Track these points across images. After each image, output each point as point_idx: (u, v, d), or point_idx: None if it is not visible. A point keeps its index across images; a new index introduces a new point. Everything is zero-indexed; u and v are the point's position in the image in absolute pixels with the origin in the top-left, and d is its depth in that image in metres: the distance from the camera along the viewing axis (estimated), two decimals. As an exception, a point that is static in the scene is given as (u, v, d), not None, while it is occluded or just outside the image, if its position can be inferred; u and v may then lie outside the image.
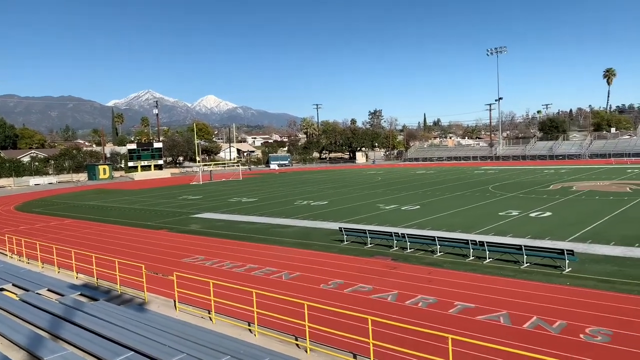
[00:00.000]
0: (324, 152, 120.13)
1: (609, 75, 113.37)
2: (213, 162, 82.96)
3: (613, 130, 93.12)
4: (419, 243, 18.84)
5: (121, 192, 53.51)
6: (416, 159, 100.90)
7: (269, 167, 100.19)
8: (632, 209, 25.85)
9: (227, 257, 19.33)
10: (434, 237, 18.25)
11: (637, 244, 17.75)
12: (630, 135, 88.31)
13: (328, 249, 19.84)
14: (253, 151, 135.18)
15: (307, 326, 9.88)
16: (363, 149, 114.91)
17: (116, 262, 15.00)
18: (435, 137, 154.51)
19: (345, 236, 20.75)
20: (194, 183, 62.23)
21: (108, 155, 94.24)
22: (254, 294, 11.16)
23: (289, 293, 13.84)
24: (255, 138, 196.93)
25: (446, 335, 8.30)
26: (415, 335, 10.22)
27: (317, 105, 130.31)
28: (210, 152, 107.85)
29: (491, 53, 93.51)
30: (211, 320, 11.82)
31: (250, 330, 11.15)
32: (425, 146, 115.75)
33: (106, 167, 78.77)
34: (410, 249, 18.51)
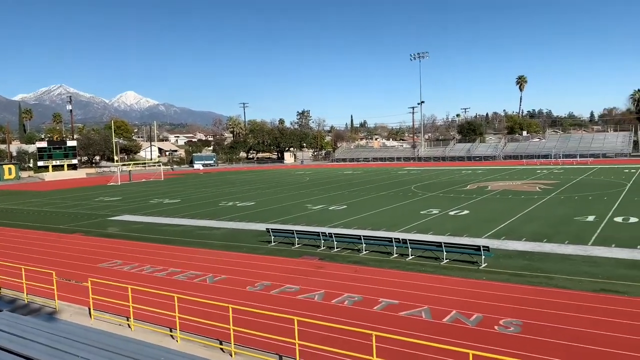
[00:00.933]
0: (251, 152, 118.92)
1: (521, 82, 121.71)
2: (132, 162, 79.18)
3: (525, 133, 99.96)
4: (345, 242, 19.07)
5: (30, 194, 49.67)
6: (343, 160, 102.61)
7: (193, 167, 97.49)
8: (541, 206, 27.85)
9: (147, 261, 18.48)
10: (359, 236, 18.56)
11: (545, 240, 19.11)
12: (539, 138, 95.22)
13: (255, 250, 19.57)
14: (176, 150, 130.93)
15: (231, 329, 9.63)
16: (291, 149, 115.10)
17: (22, 269, 13.81)
18: (361, 139, 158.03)
19: (272, 237, 20.57)
20: (111, 184, 59.10)
21: (14, 154, 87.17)
22: (175, 298, 10.72)
23: (213, 296, 13.46)
24: (178, 137, 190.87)
25: (370, 332, 8.42)
26: (341, 334, 10.29)
27: (244, 104, 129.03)
28: (130, 151, 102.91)
29: (414, 58, 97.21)
30: (130, 327, 11.20)
31: (172, 336, 10.70)
32: (352, 147, 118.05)
33: (12, 166, 72.84)
34: (337, 248, 18.69)
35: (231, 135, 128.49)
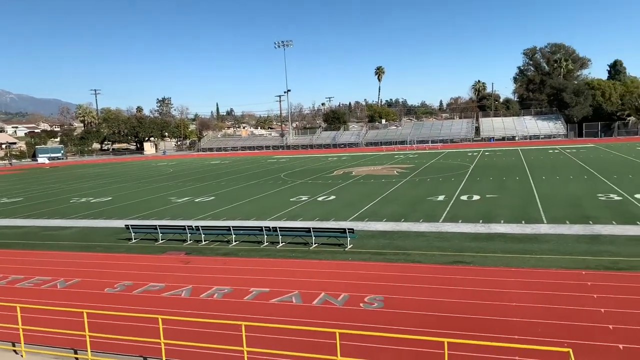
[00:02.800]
0: (105, 142, 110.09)
1: (379, 72, 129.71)
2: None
3: (384, 121, 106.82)
4: (214, 234, 18.53)
5: None
6: (210, 149, 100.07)
7: (37, 161, 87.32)
8: (399, 189, 29.98)
9: (-18, 269, 16.03)
10: (228, 226, 18.16)
11: (403, 219, 20.58)
12: (396, 126, 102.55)
13: (113, 249, 18.10)
14: (14, 143, 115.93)
15: (87, 336, 8.75)
16: (152, 139, 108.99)
17: None
18: (229, 127, 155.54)
19: (133, 234, 19.20)
20: None
21: None
22: (18, 308, 9.42)
23: (66, 303, 12.13)
24: (17, 127, 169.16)
25: (239, 323, 8.24)
26: (210, 328, 9.95)
27: (95, 90, 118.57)
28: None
29: (279, 46, 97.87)
30: (-42, 349, 9.59)
31: (15, 351, 9.42)
32: (219, 136, 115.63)
33: None
34: (205, 241, 18.08)
35: (82, 125, 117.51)
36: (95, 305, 11.84)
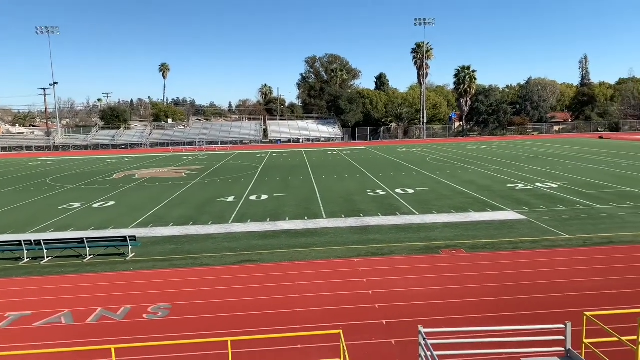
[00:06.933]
0: None
1: (164, 69, 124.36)
2: None
3: (170, 121, 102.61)
4: (-47, 253, 15.08)
5: None
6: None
7: None
8: (187, 191, 29.07)
9: None
10: (-25, 242, 15.00)
11: (191, 222, 19.97)
12: (184, 126, 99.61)
13: None
14: None
15: None
16: None
17: None
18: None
19: None
20: None
21: None
22: None
23: None
24: None
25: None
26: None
27: None
28: None
29: (41, 32, 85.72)
30: None
31: None
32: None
33: None
34: (-60, 262, 14.57)
35: None
36: None
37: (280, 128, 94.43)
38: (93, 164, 52.17)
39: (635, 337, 6.80)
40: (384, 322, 9.87)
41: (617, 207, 20.20)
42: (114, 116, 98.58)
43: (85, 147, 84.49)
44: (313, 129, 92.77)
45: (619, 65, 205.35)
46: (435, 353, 6.18)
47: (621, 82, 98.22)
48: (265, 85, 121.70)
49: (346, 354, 6.39)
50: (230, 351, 6.37)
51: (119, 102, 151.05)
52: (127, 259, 14.92)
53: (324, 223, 19.13)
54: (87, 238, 15.12)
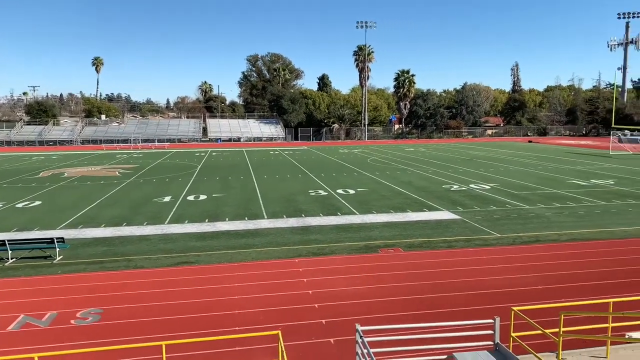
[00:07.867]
0: None
1: (97, 63, 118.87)
2: None
3: (104, 117, 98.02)
4: None
5: None
6: None
7: None
8: (121, 191, 27.87)
9: None
10: None
11: (125, 223, 19.16)
12: (119, 123, 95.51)
13: None
14: None
15: None
16: None
17: None
18: None
19: None
20: None
21: None
22: None
23: None
24: None
25: None
26: None
27: None
28: None
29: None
30: None
31: None
32: None
33: None
34: None
35: None
36: None
37: (221, 126, 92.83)
38: (17, 161, 48.93)
39: (557, 330, 7.23)
40: (323, 321, 9.91)
41: (543, 207, 21.46)
42: (41, 111, 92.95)
43: (9, 143, 79.13)
44: (255, 128, 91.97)
45: (547, 73, 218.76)
46: (371, 350, 6.27)
47: (549, 89, 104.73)
48: (205, 82, 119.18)
49: (284, 354, 6.35)
50: (164, 356, 6.15)
51: (47, 96, 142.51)
52: (54, 262, 14.08)
53: (264, 224, 18.96)
54: (8, 240, 14.12)
